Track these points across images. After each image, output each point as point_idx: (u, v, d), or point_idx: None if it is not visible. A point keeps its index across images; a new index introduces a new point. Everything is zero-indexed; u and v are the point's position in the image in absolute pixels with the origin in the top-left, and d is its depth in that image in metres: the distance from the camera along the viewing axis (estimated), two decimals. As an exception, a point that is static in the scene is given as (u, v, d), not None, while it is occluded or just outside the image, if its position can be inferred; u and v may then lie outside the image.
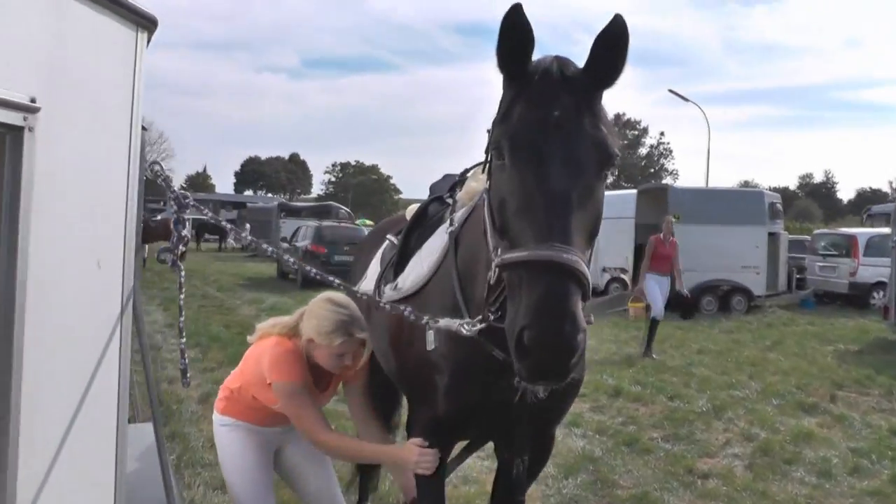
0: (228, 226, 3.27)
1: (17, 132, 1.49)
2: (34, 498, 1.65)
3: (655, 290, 11.97)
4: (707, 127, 37.60)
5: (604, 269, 21.08)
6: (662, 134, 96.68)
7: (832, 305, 20.25)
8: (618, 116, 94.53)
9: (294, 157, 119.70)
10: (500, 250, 2.21)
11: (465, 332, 2.55)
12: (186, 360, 2.87)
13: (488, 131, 2.42)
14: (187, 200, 2.76)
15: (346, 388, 3.39)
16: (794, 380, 10.06)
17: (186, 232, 2.58)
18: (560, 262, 2.00)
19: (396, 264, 3.44)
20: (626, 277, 20.53)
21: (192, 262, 27.58)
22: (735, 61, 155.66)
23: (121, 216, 1.98)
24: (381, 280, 3.59)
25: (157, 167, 2.52)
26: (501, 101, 2.37)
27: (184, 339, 2.78)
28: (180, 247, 2.60)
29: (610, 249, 20.72)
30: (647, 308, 12.30)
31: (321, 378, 3.26)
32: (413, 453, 2.93)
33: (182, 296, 2.85)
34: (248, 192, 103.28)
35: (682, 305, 12.03)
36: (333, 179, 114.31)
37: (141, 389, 7.90)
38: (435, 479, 3.02)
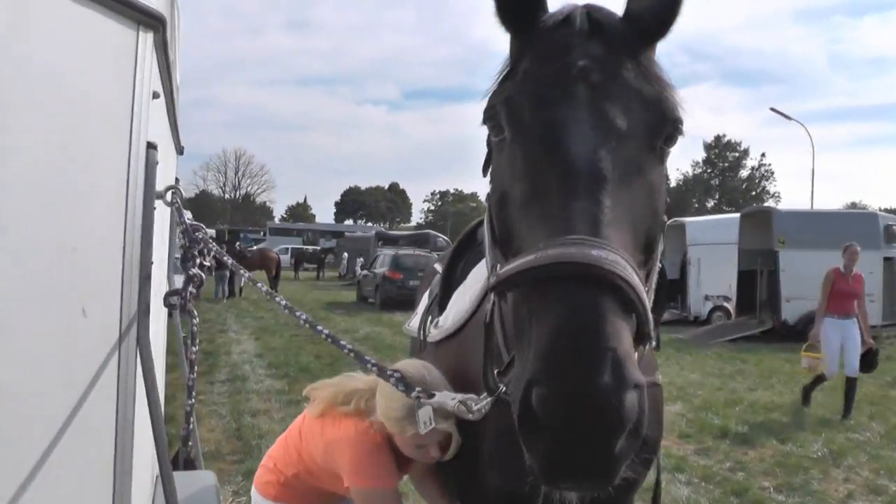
0: (230, 260, 2.62)
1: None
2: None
3: (833, 338, 9.42)
4: (811, 146, 35.90)
5: (706, 297, 20.23)
6: (763, 155, 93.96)
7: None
8: (717, 138, 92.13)
9: (394, 187, 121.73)
10: (498, 267, 1.57)
11: (470, 415, 1.81)
12: (191, 426, 2.40)
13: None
14: (198, 234, 2.32)
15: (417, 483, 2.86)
16: (924, 422, 9.13)
17: (197, 270, 2.18)
18: (585, 261, 1.32)
19: (441, 297, 2.92)
20: (730, 306, 19.61)
21: (289, 291, 28.06)
22: (842, 76, 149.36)
23: (114, 251, 1.65)
24: (427, 316, 3.05)
25: (172, 193, 2.14)
26: (504, 65, 1.78)
27: (192, 401, 2.38)
28: (190, 288, 2.16)
29: (712, 276, 19.91)
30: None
31: (402, 459, 2.58)
32: None
33: (196, 348, 2.40)
34: (349, 222, 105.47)
35: (864, 358, 9.26)
36: (433, 208, 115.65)
37: (222, 426, 7.83)
38: None
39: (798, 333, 16.47)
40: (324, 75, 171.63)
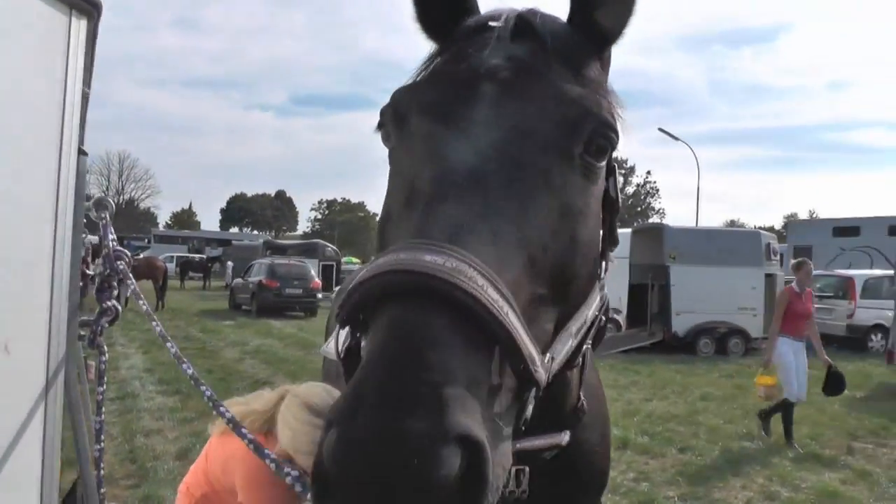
0: (133, 285, 2.33)
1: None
2: None
3: (790, 360, 8.71)
4: (696, 166, 37.54)
5: (598, 310, 20.69)
6: (649, 173, 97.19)
7: (829, 348, 19.74)
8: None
9: (280, 194, 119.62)
10: None
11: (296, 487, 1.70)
12: (102, 472, 2.15)
13: None
14: (119, 263, 2.08)
15: None
16: (805, 429, 9.55)
17: (113, 302, 1.96)
18: (413, 268, 1.07)
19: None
20: (620, 318, 20.12)
21: (175, 301, 27.03)
22: (722, 102, 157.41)
23: (43, 270, 1.44)
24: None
25: (100, 205, 1.89)
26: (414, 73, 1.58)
27: (101, 446, 2.14)
28: (102, 321, 1.92)
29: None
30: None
31: None
32: None
33: (102, 388, 2.16)
34: (234, 230, 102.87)
35: (830, 379, 8.49)
36: (320, 217, 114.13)
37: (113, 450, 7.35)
38: None
39: (687, 345, 17.16)
40: (213, 77, 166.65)
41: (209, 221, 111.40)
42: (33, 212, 1.45)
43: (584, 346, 1.56)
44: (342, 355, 1.28)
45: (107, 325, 1.98)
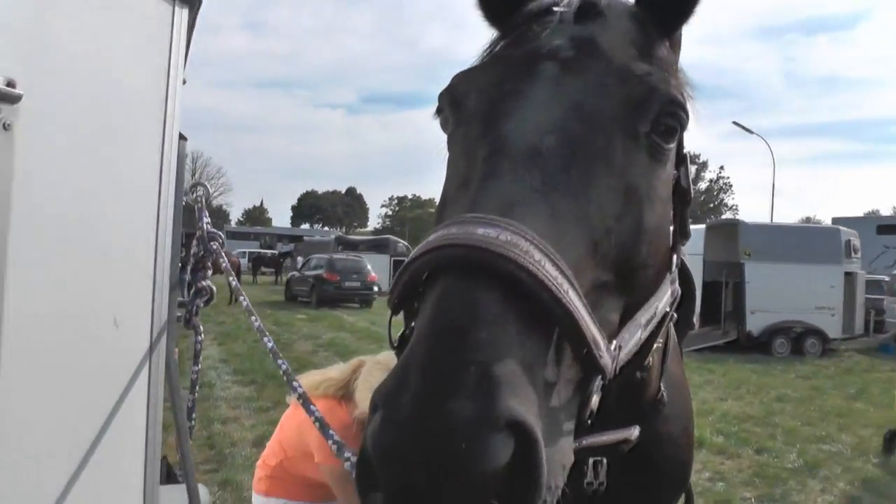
0: (225, 262, 2.39)
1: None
2: None
3: None
4: (772, 160, 36.56)
5: (669, 308, 20.35)
6: (722, 168, 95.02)
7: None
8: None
9: (351, 191, 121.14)
10: None
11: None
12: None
13: None
14: (213, 244, 2.11)
15: None
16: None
17: (209, 282, 2.00)
18: (465, 242, 1.01)
19: None
20: (694, 317, 19.73)
21: (248, 295, 27.61)
22: (797, 93, 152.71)
23: (148, 250, 1.49)
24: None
25: (200, 190, 1.94)
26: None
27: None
28: (198, 301, 1.96)
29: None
30: None
31: None
32: None
33: (197, 367, 2.21)
34: (305, 226, 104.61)
35: None
36: (390, 213, 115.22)
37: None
38: None
39: (762, 345, 16.72)
40: (281, 78, 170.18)
41: (280, 218, 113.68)
42: (140, 194, 1.51)
43: (661, 339, 1.50)
44: (395, 344, 1.22)
45: (202, 304, 2.03)
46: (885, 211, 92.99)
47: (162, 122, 1.59)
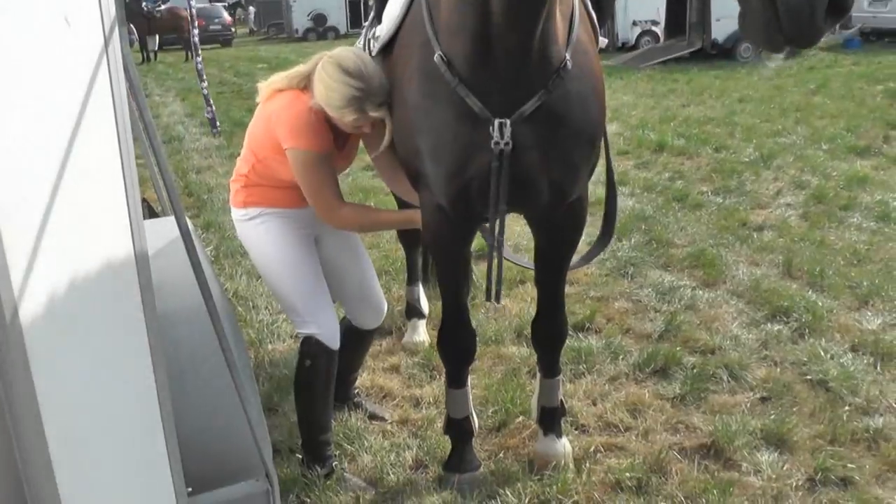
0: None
1: None
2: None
3: None
4: None
5: (634, 23, 20.02)
6: None
7: (879, 43, 19.02)
8: None
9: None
10: None
11: None
12: (213, 108, 2.30)
13: None
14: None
15: (372, 156, 2.92)
16: (843, 123, 9.54)
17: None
18: None
19: (377, 8, 2.93)
20: (658, 30, 19.49)
21: (203, 51, 26.79)
22: None
23: None
24: (370, 30, 3.06)
25: None
26: None
27: (205, 83, 2.28)
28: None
29: (640, 0, 19.56)
30: None
31: (338, 136, 2.76)
32: (418, 216, 2.75)
33: (196, 30, 2.27)
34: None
35: None
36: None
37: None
38: (457, 256, 2.79)
39: (727, 52, 16.68)
40: None
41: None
42: None
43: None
44: None
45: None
46: None
47: None
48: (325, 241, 2.98)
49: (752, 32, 1.57)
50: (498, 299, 2.63)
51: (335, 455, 3.13)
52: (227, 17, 33.35)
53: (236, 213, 2.88)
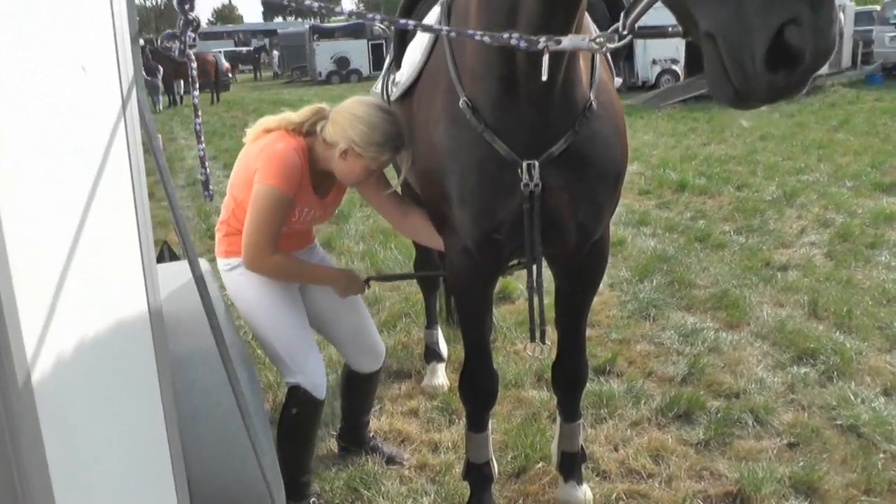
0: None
1: None
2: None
3: None
4: None
5: (654, 62, 20.10)
6: None
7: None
8: None
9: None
10: None
11: (595, 47, 1.85)
12: (207, 170, 2.29)
13: None
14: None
15: (374, 201, 2.89)
16: (867, 159, 9.46)
17: (196, 15, 2.01)
18: None
19: (396, 54, 2.93)
20: (678, 68, 19.55)
21: (230, 94, 27.30)
22: None
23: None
24: (388, 76, 3.08)
25: None
26: None
27: (202, 146, 2.26)
28: (189, 33, 2.00)
29: (660, 40, 19.64)
30: None
31: (323, 184, 2.72)
32: (343, 277, 2.81)
33: (196, 92, 2.27)
34: (278, 20, 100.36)
35: None
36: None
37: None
38: (482, 298, 2.74)
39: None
40: None
41: (251, 15, 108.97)
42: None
43: None
44: None
45: (193, 34, 2.04)
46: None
47: None
48: (312, 288, 2.94)
49: (710, 86, 1.51)
50: (543, 339, 2.59)
51: (318, 493, 3.12)
52: (225, 63, 32.57)
53: (220, 263, 2.82)
